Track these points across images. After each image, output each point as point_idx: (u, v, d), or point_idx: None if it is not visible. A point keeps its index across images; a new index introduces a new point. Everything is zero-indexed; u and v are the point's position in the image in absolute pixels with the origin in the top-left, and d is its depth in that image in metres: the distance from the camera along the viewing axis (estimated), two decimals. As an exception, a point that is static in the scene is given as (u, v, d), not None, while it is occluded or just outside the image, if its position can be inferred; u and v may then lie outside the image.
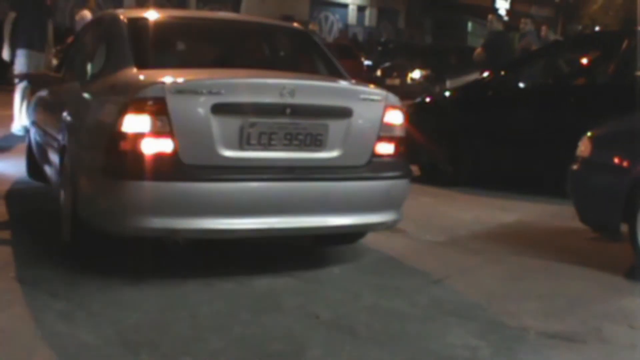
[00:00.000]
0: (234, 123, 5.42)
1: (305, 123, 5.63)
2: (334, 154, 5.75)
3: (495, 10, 41.11)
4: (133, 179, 5.27)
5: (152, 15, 6.97)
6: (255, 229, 5.65)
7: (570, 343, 4.98)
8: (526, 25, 18.61)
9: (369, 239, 7.28)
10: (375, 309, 5.43)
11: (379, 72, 28.70)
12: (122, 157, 5.30)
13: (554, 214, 8.59)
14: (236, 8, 34.53)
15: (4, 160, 10.40)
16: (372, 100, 5.94)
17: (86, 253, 6.10)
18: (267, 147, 5.54)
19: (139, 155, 5.26)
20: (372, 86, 6.38)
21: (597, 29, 42.73)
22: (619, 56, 9.90)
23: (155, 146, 5.28)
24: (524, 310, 5.53)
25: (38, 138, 8.09)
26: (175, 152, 5.31)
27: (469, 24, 47.93)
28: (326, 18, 41.53)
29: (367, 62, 30.10)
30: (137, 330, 4.81)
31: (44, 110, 7.89)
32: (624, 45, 9.79)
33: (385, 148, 5.98)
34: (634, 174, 6.45)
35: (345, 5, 42.39)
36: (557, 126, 9.64)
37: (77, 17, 16.90)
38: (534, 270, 6.60)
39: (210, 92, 5.34)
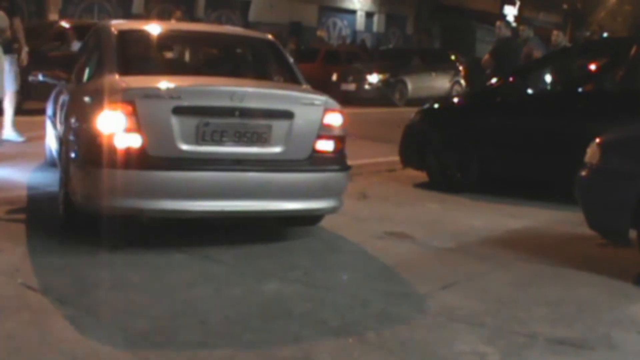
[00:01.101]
0: (191, 122, 6.40)
1: (252, 123, 6.59)
2: (277, 149, 6.69)
3: (503, 17, 41.06)
4: (108, 167, 6.28)
5: (138, 27, 8.40)
6: (208, 211, 6.61)
7: (579, 349, 4.97)
8: (524, 31, 18.59)
9: (378, 245, 7.30)
10: (384, 315, 5.44)
11: (334, 77, 26.43)
12: (100, 149, 6.28)
13: (563, 220, 8.58)
14: (244, 14, 34.57)
15: (6, 167, 10.34)
16: (313, 104, 6.88)
17: (76, 229, 6.88)
18: (219, 142, 6.51)
19: (113, 148, 6.26)
20: (314, 92, 7.27)
21: (605, 35, 42.71)
22: (627, 62, 9.89)
23: (126, 141, 6.29)
24: (533, 316, 5.53)
25: (50, 130, 9.30)
26: (142, 146, 6.30)
27: (477, 30, 47.92)
28: (334, 24, 41.55)
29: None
30: (146, 336, 4.82)
31: (54, 106, 9.07)
32: (633, 51, 9.77)
33: (325, 145, 6.87)
34: (642, 180, 6.45)
35: (354, 12, 42.34)
36: (566, 132, 9.63)
37: None
38: (542, 277, 6.60)
39: (171, 97, 6.37)
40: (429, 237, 7.74)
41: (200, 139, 6.43)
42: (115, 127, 6.27)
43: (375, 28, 43.49)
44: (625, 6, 46.58)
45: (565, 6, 46.76)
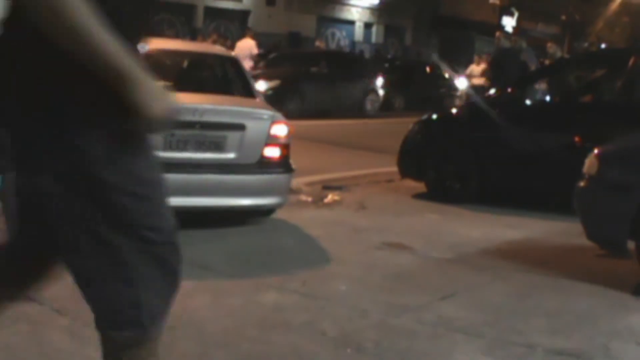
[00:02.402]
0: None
1: (210, 134, 7.81)
2: (231, 155, 7.87)
3: (502, 28, 41.09)
4: None
5: None
6: (174, 206, 7.01)
7: (578, 361, 4.97)
8: (515, 42, 18.80)
9: (376, 255, 7.29)
10: (383, 325, 5.43)
11: None
12: None
13: (561, 231, 8.57)
14: (243, 25, 34.63)
15: None
16: (262, 118, 8.10)
17: None
18: (183, 149, 7.73)
19: None
20: (265, 107, 8.71)
21: (603, 46, 42.79)
22: (626, 73, 9.91)
23: None
24: (532, 327, 5.52)
25: None
26: None
27: (476, 41, 47.96)
28: (333, 35, 41.60)
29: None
30: (143, 346, 4.80)
31: None
32: (631, 62, 9.79)
33: (271, 152, 8.02)
34: (641, 191, 6.45)
35: (352, 22, 42.37)
36: (564, 143, 9.65)
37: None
38: (541, 287, 6.59)
39: None
40: (428, 247, 7.74)
41: (167, 147, 7.56)
42: None
43: (373, 39, 43.55)
44: (623, 17, 46.68)
45: (563, 17, 46.86)
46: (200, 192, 7.74)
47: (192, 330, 5.11)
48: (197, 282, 6.16)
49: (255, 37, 24.27)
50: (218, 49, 10.38)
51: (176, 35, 29.56)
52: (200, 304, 5.66)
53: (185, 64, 9.88)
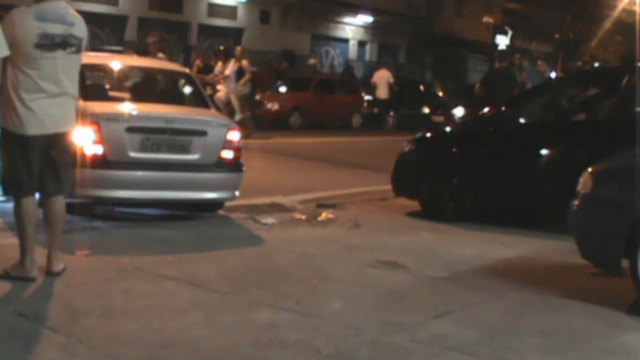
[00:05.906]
0: (138, 137, 8.83)
1: (179, 139, 9.09)
2: (195, 156, 9.16)
3: (495, 46, 41.16)
4: (81, 167, 8.25)
5: (94, 61, 10.54)
6: (148, 198, 9.15)
7: (572, 379, 4.96)
8: (518, 61, 19.01)
9: (370, 273, 7.29)
10: (377, 344, 5.42)
11: None
12: (75, 155, 7.89)
13: (555, 249, 8.58)
14: (237, 42, 34.69)
15: None
16: (220, 126, 9.47)
17: None
18: (156, 151, 8.95)
19: (84, 154, 8.44)
20: (221, 116, 10.61)
21: (596, 65, 42.86)
22: (619, 92, 9.93)
23: (93, 149, 8.59)
24: (526, 345, 5.52)
25: None
26: (104, 153, 8.65)
27: (469, 60, 48.01)
28: (327, 53, 41.61)
29: (367, 97, 29.38)
30: (137, 364, 4.79)
31: None
32: (625, 81, 9.81)
33: (227, 154, 9.33)
34: (635, 210, 6.45)
35: (346, 40, 42.39)
36: (558, 162, 9.65)
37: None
38: (535, 306, 6.59)
39: (124, 120, 8.90)
40: (422, 266, 7.73)
41: (143, 149, 8.85)
42: (85, 140, 8.47)
43: (367, 57, 43.59)
44: (617, 36, 46.77)
45: (557, 36, 46.96)
46: (169, 187, 9.06)
47: (186, 348, 5.10)
48: (191, 300, 6.15)
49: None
50: (175, 66, 11.72)
51: (170, 53, 29.54)
52: (194, 321, 5.65)
53: (150, 78, 11.00)
